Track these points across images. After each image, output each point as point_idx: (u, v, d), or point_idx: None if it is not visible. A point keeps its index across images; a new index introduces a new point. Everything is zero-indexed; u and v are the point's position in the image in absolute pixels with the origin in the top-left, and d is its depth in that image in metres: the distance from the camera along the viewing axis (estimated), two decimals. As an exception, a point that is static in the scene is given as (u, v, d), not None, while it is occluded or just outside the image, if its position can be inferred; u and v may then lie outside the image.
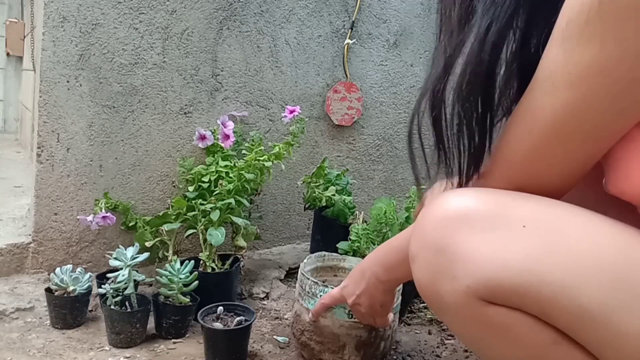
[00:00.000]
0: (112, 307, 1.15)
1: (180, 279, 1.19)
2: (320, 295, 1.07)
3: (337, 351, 1.08)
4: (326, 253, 1.27)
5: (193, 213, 1.33)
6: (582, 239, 0.57)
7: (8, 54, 3.37)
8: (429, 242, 0.64)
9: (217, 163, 1.37)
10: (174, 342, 1.19)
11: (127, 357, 1.12)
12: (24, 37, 3.03)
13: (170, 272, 1.19)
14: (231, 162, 1.38)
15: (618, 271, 0.54)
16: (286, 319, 1.35)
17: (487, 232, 0.60)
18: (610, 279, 0.54)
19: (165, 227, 1.32)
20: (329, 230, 1.54)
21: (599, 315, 0.53)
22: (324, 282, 1.13)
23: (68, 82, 1.32)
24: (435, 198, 0.67)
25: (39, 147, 1.32)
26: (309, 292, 1.09)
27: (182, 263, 1.22)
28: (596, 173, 0.65)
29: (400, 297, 1.13)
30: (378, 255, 0.94)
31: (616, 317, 0.53)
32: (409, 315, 1.41)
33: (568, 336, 0.57)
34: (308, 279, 1.10)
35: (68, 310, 1.19)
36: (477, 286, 0.58)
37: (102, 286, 1.16)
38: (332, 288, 1.05)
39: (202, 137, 1.41)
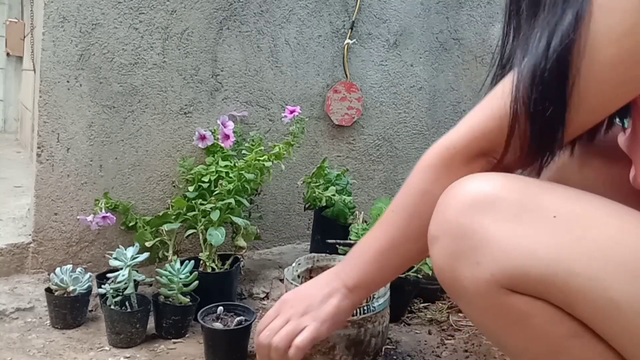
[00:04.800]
0: (112, 307, 1.15)
1: (180, 279, 1.19)
2: None
3: (327, 352, 1.07)
4: (302, 258, 1.24)
5: (193, 213, 1.33)
6: (611, 232, 0.56)
7: (8, 54, 3.37)
8: (451, 226, 0.62)
9: (217, 163, 1.37)
10: (174, 342, 1.19)
11: (127, 357, 1.12)
12: (24, 37, 3.03)
13: (170, 272, 1.19)
14: (231, 162, 1.38)
15: None
16: (286, 319, 1.34)
17: (514, 219, 0.58)
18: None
19: (165, 227, 1.32)
20: (329, 230, 1.54)
21: (627, 308, 0.53)
22: None
23: (68, 82, 1.32)
24: (457, 181, 0.65)
25: (39, 147, 1.32)
26: None
27: (182, 263, 1.22)
28: (620, 169, 0.64)
29: (388, 291, 1.13)
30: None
31: None
32: (409, 315, 1.41)
33: (589, 329, 0.57)
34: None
35: (68, 310, 1.19)
36: (502, 274, 0.57)
37: (102, 286, 1.16)
38: None
39: (202, 137, 1.41)
